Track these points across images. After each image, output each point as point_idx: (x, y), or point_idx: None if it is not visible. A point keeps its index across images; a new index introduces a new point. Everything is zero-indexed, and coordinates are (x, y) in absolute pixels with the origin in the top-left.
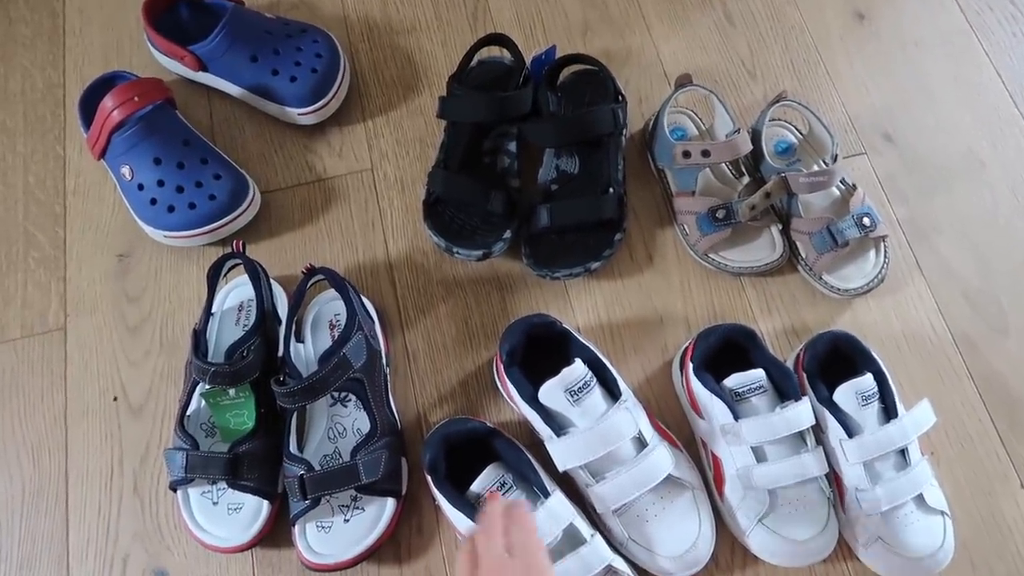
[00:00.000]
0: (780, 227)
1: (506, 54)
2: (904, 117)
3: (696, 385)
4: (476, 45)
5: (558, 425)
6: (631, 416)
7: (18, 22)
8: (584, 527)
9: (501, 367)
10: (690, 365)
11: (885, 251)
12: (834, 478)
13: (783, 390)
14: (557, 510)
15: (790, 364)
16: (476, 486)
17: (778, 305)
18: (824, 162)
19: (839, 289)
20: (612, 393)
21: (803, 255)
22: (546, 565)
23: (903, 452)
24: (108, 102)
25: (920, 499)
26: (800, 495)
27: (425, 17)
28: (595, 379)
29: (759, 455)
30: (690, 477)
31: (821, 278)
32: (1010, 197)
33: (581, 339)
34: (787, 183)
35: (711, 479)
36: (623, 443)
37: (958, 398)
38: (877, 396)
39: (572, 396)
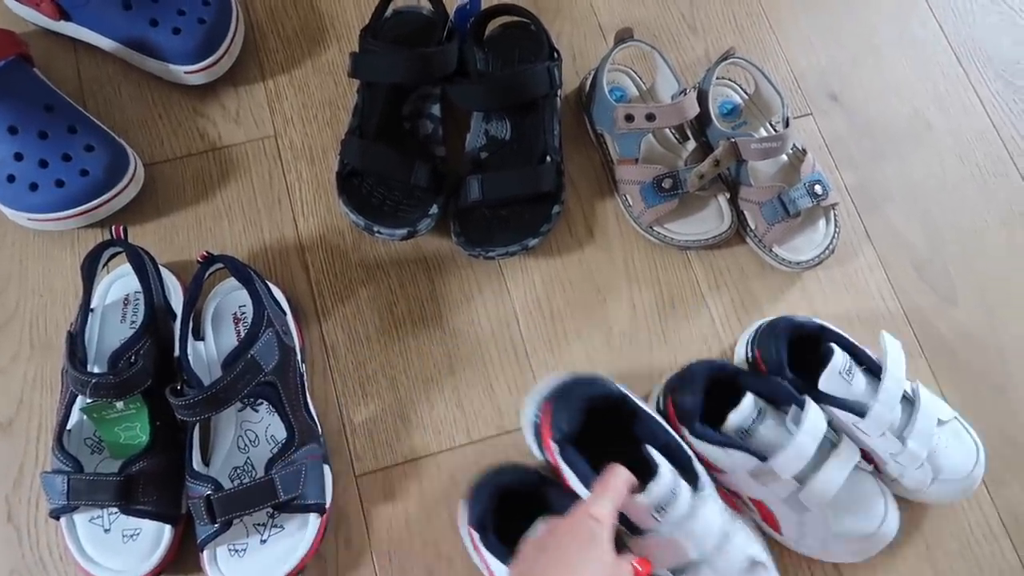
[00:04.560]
0: (728, 196)
1: (425, 3)
2: (851, 75)
3: (702, 446)
4: None
5: (633, 526)
6: (717, 507)
7: None
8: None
9: (552, 446)
10: (695, 427)
11: (835, 220)
12: (862, 453)
13: (777, 400)
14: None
15: (741, 352)
16: None
17: (726, 280)
18: (771, 124)
19: (790, 262)
20: (685, 471)
21: (752, 226)
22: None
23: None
24: None
25: (939, 423)
26: (850, 489)
27: None
28: (682, 482)
29: (797, 475)
30: (758, 545)
31: (771, 250)
32: (957, 163)
33: (649, 411)
34: (737, 149)
35: (759, 520)
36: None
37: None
38: (855, 365)
39: (659, 512)
